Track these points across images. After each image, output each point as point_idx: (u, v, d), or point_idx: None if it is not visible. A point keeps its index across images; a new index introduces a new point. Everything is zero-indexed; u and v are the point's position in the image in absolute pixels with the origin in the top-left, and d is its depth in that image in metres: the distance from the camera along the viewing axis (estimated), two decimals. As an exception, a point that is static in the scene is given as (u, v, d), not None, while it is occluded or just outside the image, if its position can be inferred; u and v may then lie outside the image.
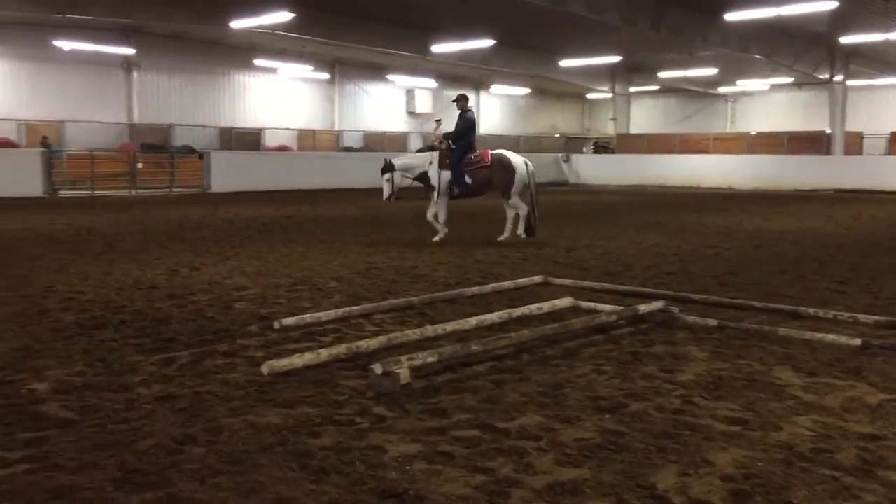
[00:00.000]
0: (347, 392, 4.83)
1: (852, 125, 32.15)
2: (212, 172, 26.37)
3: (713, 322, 6.65)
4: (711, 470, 3.66)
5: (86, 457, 3.78)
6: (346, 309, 7.04)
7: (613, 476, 3.59)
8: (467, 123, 12.40)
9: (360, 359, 5.45)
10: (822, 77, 30.62)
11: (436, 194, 12.36)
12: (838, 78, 30.44)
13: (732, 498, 3.37)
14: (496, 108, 42.13)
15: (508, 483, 3.50)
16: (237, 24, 24.68)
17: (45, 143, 25.49)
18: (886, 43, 25.83)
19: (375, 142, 34.87)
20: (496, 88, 40.77)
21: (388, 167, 12.63)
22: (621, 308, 6.87)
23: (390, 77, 36.53)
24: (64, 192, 24.61)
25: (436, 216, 12.61)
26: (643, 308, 6.80)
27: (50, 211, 18.70)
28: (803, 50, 28.26)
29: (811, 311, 7.05)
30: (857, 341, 5.95)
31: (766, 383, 5.07)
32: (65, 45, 27.78)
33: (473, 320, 6.55)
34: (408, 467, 3.67)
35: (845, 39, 26.25)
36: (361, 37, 27.57)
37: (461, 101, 12.63)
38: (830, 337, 6.13)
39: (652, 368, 5.41)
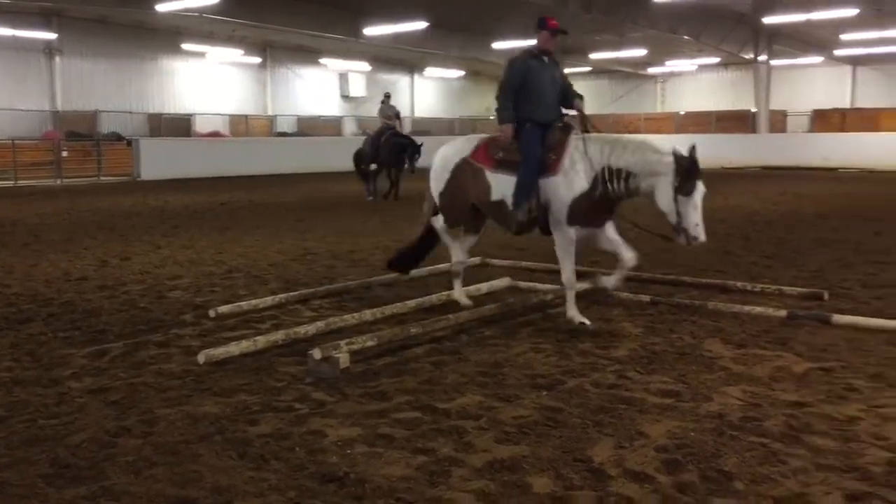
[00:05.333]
0: (286, 378, 4.80)
1: (776, 104, 33.03)
2: (141, 160, 25.70)
3: (646, 298, 6.79)
4: (646, 442, 3.76)
5: (16, 453, 3.68)
6: (283, 295, 6.97)
7: (551, 451, 3.65)
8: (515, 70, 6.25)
9: (298, 345, 5.41)
10: (746, 57, 31.35)
11: (559, 235, 6.03)
12: (762, 58, 31.20)
13: (666, 468, 3.46)
14: (431, 91, 42.03)
15: (449, 462, 3.53)
16: (163, 7, 24.05)
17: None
18: (807, 24, 26.59)
19: (310, 127, 34.49)
20: (431, 71, 40.67)
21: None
22: (558, 287, 6.94)
23: (323, 61, 36.10)
24: (-15, 183, 23.75)
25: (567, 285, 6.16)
26: (579, 286, 6.89)
27: (-30, 203, 18.01)
28: (729, 31, 28.88)
29: (739, 284, 7.26)
30: (783, 313, 6.16)
31: (697, 356, 5.22)
32: (-19, 30, 26.70)
33: (412, 303, 6.56)
34: (348, 451, 3.68)
35: (768, 20, 26.88)
36: (292, 20, 27.15)
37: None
38: (758, 309, 6.33)
39: (588, 345, 5.51)
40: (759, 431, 3.88)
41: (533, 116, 6.17)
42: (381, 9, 26.26)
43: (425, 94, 41.59)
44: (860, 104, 33.40)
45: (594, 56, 35.46)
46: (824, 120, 31.89)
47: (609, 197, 5.85)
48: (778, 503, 3.13)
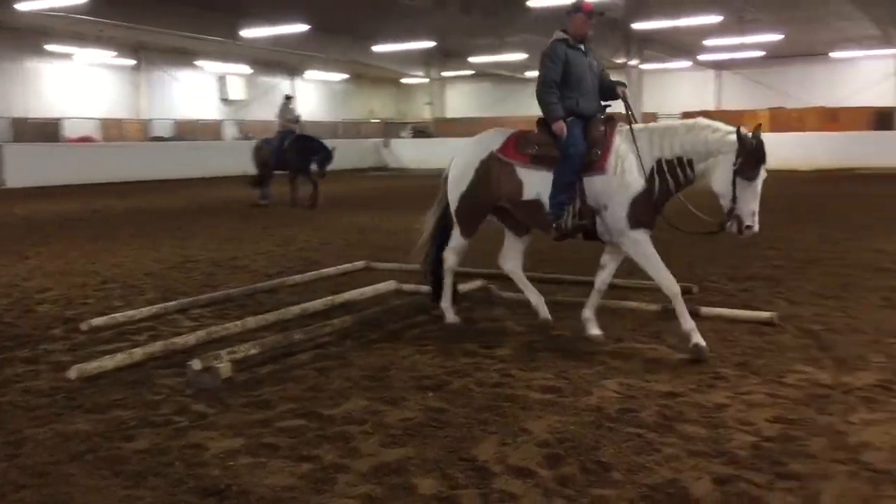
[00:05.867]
0: (164, 391, 4.64)
1: (648, 106, 34.39)
2: (6, 166, 24.26)
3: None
4: (529, 437, 3.84)
5: None
6: (161, 305, 6.75)
7: (437, 452, 3.68)
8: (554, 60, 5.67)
9: (177, 356, 5.25)
10: (619, 61, 32.51)
11: (628, 244, 5.50)
12: (633, 62, 32.42)
13: (547, 462, 3.55)
14: (313, 95, 41.51)
15: (334, 469, 3.51)
16: (24, 6, 22.79)
17: None
18: (675, 30, 27.81)
19: (187, 131, 33.41)
20: (312, 74, 40.20)
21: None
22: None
23: (200, 63, 35.09)
24: None
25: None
26: (463, 287, 6.98)
27: None
28: (602, 35, 29.81)
29: (617, 281, 7.49)
30: (656, 307, 6.42)
31: (577, 352, 5.37)
32: None
33: (296, 309, 6.48)
34: (230, 463, 3.59)
35: (638, 26, 27.99)
36: (165, 21, 26.24)
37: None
38: (633, 304, 6.58)
39: (473, 345, 5.58)
40: (635, 422, 4.03)
41: (574, 109, 5.62)
42: (260, 10, 25.77)
43: (307, 97, 41.01)
44: (725, 106, 35.17)
45: (475, 59, 35.94)
46: (693, 121, 33.48)
47: (664, 194, 5.35)
48: (652, 490, 3.27)
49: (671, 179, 5.31)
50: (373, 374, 4.95)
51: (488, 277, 7.45)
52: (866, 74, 31.74)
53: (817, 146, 27.57)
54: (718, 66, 35.61)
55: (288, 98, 17.77)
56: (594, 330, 5.63)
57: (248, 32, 27.50)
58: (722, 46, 30.55)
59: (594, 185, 5.44)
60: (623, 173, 5.35)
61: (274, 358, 5.24)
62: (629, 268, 8.45)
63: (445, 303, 6.21)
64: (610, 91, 5.84)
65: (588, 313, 5.73)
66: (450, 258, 6.18)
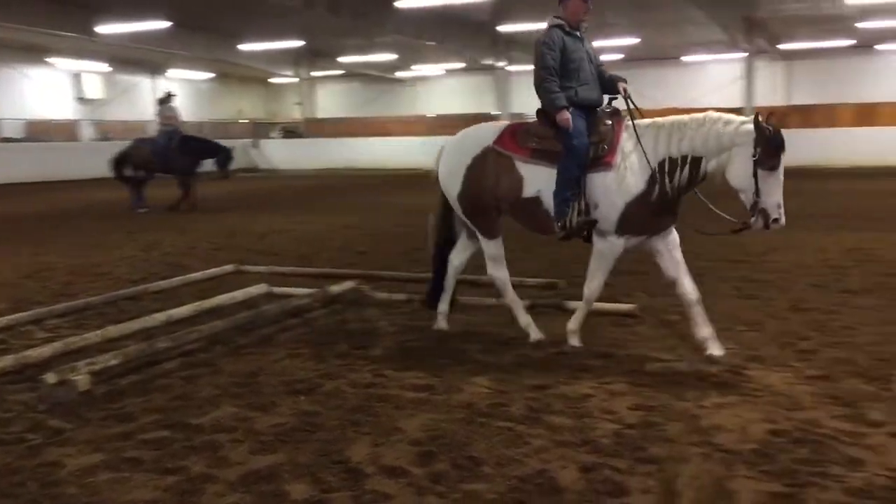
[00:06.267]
0: (17, 408, 4.38)
1: (516, 107, 35.18)
2: None
3: (401, 296, 6.96)
4: (402, 437, 3.86)
5: None
6: (13, 316, 6.36)
7: (309, 456, 3.64)
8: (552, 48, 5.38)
9: (30, 370, 4.96)
10: (487, 63, 33.11)
11: (601, 243, 5.28)
12: (501, 64, 33.09)
13: (420, 460, 3.58)
14: (177, 94, 40.21)
15: (202, 480, 3.41)
16: None
17: None
18: (539, 32, 28.54)
19: (40, 131, 31.57)
20: (176, 73, 38.81)
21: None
22: (314, 291, 6.94)
23: (53, 60, 33.23)
24: None
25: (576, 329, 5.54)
26: (335, 289, 6.94)
27: None
28: (470, 37, 30.29)
29: (486, 278, 7.62)
30: (525, 302, 6.56)
31: (449, 349, 5.44)
32: None
33: (162, 315, 6.24)
34: (89, 479, 3.43)
35: (504, 28, 28.60)
36: (14, 15, 24.71)
37: None
38: (502, 300, 6.69)
39: (345, 347, 5.55)
40: (504, 416, 4.12)
41: (573, 99, 5.25)
42: (117, 6, 24.65)
43: (171, 96, 39.68)
44: (589, 107, 36.54)
45: (345, 59, 35.72)
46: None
47: (670, 196, 5.00)
48: (522, 482, 3.35)
49: (678, 179, 4.94)
50: (242, 380, 4.84)
51: (360, 278, 7.43)
52: (716, 77, 33.55)
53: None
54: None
55: (169, 95, 16.64)
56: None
57: (104, 28, 26.23)
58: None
59: (595, 182, 5.10)
60: (625, 173, 5.01)
61: (137, 368, 5.04)
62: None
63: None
64: (609, 86, 5.43)
65: (704, 332, 5.16)
66: (498, 273, 5.70)
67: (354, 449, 3.72)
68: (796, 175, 19.98)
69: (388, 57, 33.95)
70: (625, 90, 5.32)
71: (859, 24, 25.96)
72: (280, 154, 36.28)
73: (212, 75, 40.40)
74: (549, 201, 5.23)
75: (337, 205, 16.94)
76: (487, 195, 5.44)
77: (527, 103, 31.45)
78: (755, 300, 6.78)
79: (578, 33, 5.45)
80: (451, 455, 3.62)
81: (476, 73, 36.97)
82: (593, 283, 5.29)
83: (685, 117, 4.99)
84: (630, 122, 5.14)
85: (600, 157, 5.10)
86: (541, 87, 5.33)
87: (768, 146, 4.62)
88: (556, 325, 5.97)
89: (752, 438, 3.76)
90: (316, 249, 10.30)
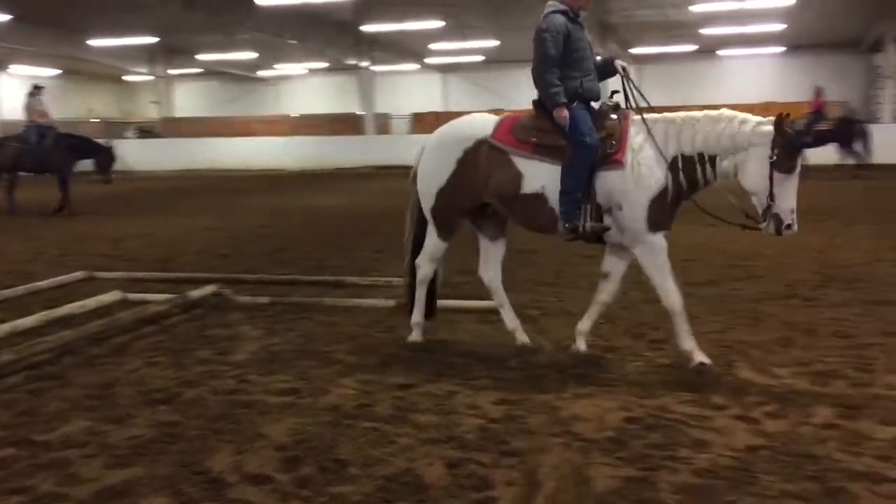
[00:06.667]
0: None
1: (381, 107, 35.24)
2: None
3: (265, 300, 6.83)
4: (266, 443, 3.79)
5: None
6: None
7: (169, 468, 3.52)
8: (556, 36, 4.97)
9: None
10: (350, 63, 32.96)
11: (643, 250, 4.90)
12: (364, 63, 33.03)
13: (285, 465, 3.53)
14: (20, 91, 37.79)
15: (50, 499, 3.24)
16: None
17: None
18: (401, 33, 28.73)
19: None
20: (19, 69, 36.48)
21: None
22: (173, 296, 6.70)
23: None
24: None
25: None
26: (195, 294, 6.73)
27: None
28: (332, 36, 30.07)
29: (352, 279, 7.63)
30: (392, 303, 6.60)
31: (314, 352, 5.38)
32: None
33: (6, 327, 5.84)
34: (-79, 508, 3.18)
35: (366, 28, 28.58)
36: None
37: None
38: (370, 301, 6.71)
39: (206, 353, 5.39)
40: (371, 416, 4.12)
41: (578, 91, 4.91)
42: (-51, -4, 22.94)
43: (12, 94, 37.22)
44: (452, 108, 36.92)
45: (202, 57, 34.66)
46: (423, 122, 34.72)
47: (682, 194, 4.77)
48: (388, 481, 3.36)
49: (689, 178, 4.72)
50: (95, 392, 4.61)
51: (222, 282, 7.23)
52: (573, 79, 34.91)
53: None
54: (444, 69, 37.28)
55: (36, 88, 15.34)
56: (581, 345, 5.13)
57: (-65, 21, 24.37)
58: (446, 50, 32.01)
59: (608, 181, 4.78)
60: (641, 169, 4.71)
61: (-23, 384, 4.71)
62: (365, 266, 8.66)
63: (416, 318, 5.48)
64: (604, 69, 5.15)
65: (582, 326, 5.16)
66: (424, 267, 5.40)
67: (216, 458, 3.62)
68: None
69: (248, 55, 33.22)
70: (623, 69, 5.06)
71: (703, 31, 27.57)
72: (136, 155, 34.64)
73: (58, 72, 38.21)
74: (554, 199, 4.88)
75: (197, 207, 16.41)
76: (473, 191, 5.09)
77: (392, 104, 31.46)
78: (611, 294, 7.06)
79: (581, 21, 5.08)
80: (318, 458, 3.59)
81: (340, 73, 36.74)
82: (667, 291, 4.79)
83: (698, 114, 4.78)
84: (639, 117, 4.87)
85: (609, 154, 4.78)
86: (540, 79, 4.94)
87: (787, 148, 4.41)
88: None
89: (609, 426, 3.93)
90: (174, 253, 9.95)
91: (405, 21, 25.89)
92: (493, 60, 34.14)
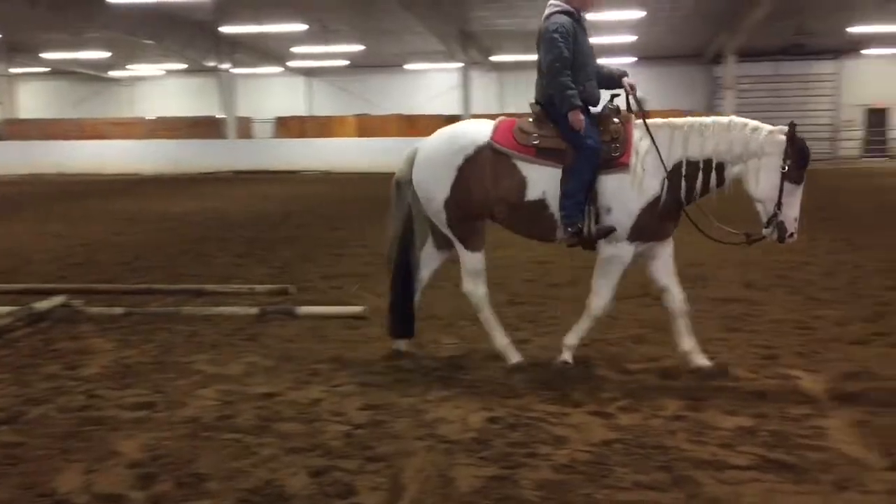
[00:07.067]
0: None
1: (243, 111, 34.41)
2: None
3: (119, 310, 6.52)
4: (119, 460, 3.62)
5: None
6: None
7: (11, 491, 3.32)
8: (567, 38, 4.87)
9: None
10: (210, 65, 32.02)
11: (609, 250, 4.87)
12: (225, 66, 32.16)
13: (140, 483, 3.39)
14: None
15: None
16: None
17: None
18: (263, 36, 28.18)
19: None
20: None
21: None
22: (16, 308, 6.28)
23: None
24: None
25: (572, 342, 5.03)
26: (41, 305, 6.34)
27: None
28: (191, 37, 29.10)
29: (213, 287, 7.41)
30: (255, 310, 6.46)
31: (172, 363, 5.19)
32: None
33: None
34: None
35: (226, 29, 27.85)
36: None
37: None
38: (231, 309, 6.54)
39: (54, 368, 5.10)
40: (232, 428, 4.01)
41: (583, 95, 4.80)
42: None
43: None
44: (316, 112, 36.54)
45: (48, 56, 32.76)
46: (286, 126, 34.19)
47: (681, 200, 4.71)
48: (250, 493, 3.29)
49: (693, 184, 4.68)
50: (-75, 414, 4.26)
51: (72, 293, 6.85)
52: (436, 85, 35.16)
53: (399, 150, 29.73)
54: (308, 72, 36.85)
55: None
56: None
57: None
58: (309, 54, 31.64)
59: (608, 185, 4.71)
60: (642, 175, 4.67)
61: None
62: (226, 273, 8.43)
63: (501, 340, 5.10)
64: (608, 81, 5.05)
65: (687, 345, 4.88)
66: (476, 289, 5.01)
67: (64, 478, 3.42)
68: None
69: (99, 54, 31.66)
70: (631, 86, 4.96)
71: (559, 41, 28.51)
72: (-27, 158, 32.44)
73: None
74: (555, 205, 4.77)
75: (45, 213, 15.46)
76: (485, 199, 4.86)
77: (255, 107, 30.77)
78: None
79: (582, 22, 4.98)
80: (175, 474, 3.46)
81: (199, 75, 35.58)
82: (601, 296, 4.83)
83: (706, 119, 4.75)
84: (642, 121, 4.79)
85: (614, 157, 4.71)
86: (554, 81, 4.77)
87: (800, 159, 4.48)
88: (286, 330, 5.93)
89: (472, 427, 3.99)
90: (20, 262, 9.35)
91: (267, 23, 25.40)
92: (359, 65, 34.04)
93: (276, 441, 3.83)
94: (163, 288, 7.43)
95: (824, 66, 32.39)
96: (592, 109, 4.92)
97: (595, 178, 4.71)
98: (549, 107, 4.87)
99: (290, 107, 36.19)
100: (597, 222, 4.76)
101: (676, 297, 4.88)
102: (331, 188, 21.96)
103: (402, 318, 5.23)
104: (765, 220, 4.63)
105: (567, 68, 4.77)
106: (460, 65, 30.05)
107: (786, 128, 4.53)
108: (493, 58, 32.28)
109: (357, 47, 29.93)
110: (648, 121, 4.78)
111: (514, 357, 5.00)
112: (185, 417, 4.17)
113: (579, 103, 4.74)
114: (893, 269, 7.98)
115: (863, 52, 31.23)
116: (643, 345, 5.51)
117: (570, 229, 4.73)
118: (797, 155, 4.48)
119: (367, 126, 32.40)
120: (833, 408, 4.23)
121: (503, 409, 4.23)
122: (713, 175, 4.66)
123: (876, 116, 33.06)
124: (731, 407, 4.23)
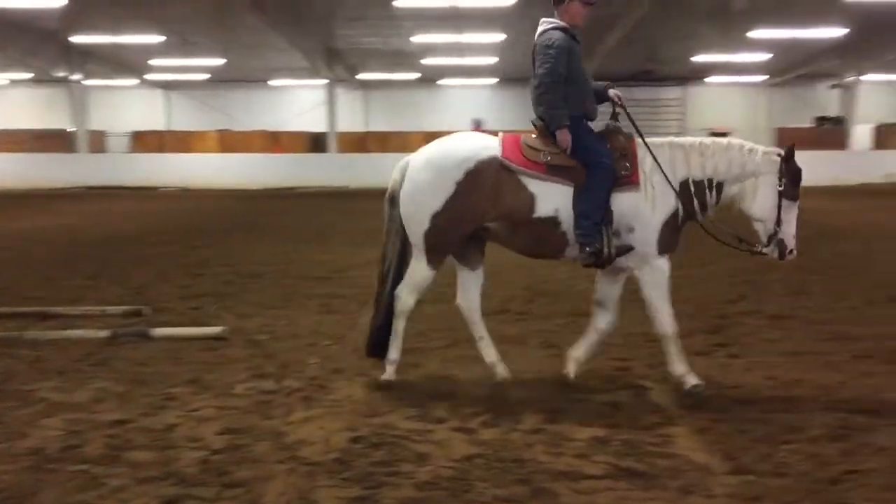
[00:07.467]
0: None
1: (96, 124, 32.82)
2: None
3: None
4: (-51, 499, 3.36)
5: None
6: None
7: None
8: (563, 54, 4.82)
9: None
10: (59, 75, 30.40)
11: (649, 272, 4.91)
12: (76, 77, 30.60)
13: (-27, 522, 3.15)
14: None
15: None
16: None
17: None
18: (117, 47, 27.00)
19: None
20: None
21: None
22: None
23: None
24: None
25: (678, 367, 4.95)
26: None
27: None
28: (36, 46, 27.52)
29: (61, 309, 7.01)
30: (106, 333, 6.16)
31: (13, 391, 4.87)
32: None
33: None
34: None
35: (77, 39, 26.55)
36: None
37: None
38: (79, 332, 6.22)
39: None
40: (79, 458, 3.81)
41: (586, 112, 4.86)
42: None
43: None
44: (175, 126, 35.31)
45: None
46: (143, 141, 32.88)
47: (686, 219, 4.84)
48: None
49: (707, 201, 4.83)
50: None
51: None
52: (301, 102, 34.76)
53: (262, 167, 29.59)
54: (167, 86, 35.62)
55: None
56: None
57: None
58: (168, 67, 30.61)
59: (622, 202, 4.72)
60: (654, 192, 4.73)
61: None
62: (76, 294, 8.00)
63: (393, 355, 5.01)
64: (599, 96, 5.03)
65: (575, 353, 5.08)
66: (406, 298, 4.92)
67: None
68: (363, 196, 21.37)
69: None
70: (618, 97, 5.01)
71: (423, 61, 28.87)
72: None
73: None
74: (568, 223, 4.73)
75: None
76: (480, 215, 4.76)
77: (110, 121, 29.46)
78: (338, 314, 7.13)
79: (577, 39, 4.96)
80: (15, 510, 3.24)
81: (47, 86, 33.64)
82: (663, 314, 4.83)
83: (706, 140, 4.89)
84: (642, 140, 4.87)
85: (624, 175, 4.74)
86: (545, 98, 4.77)
87: (795, 177, 4.69)
88: (139, 353, 5.69)
89: (335, 447, 3.95)
90: None
91: (121, 34, 24.38)
92: (221, 79, 33.21)
93: (126, 471, 3.66)
94: (4, 311, 6.96)
95: (671, 92, 34.23)
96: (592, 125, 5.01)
97: (609, 197, 4.74)
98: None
99: (147, 121, 34.81)
100: (618, 239, 4.78)
101: (610, 319, 5.09)
102: (190, 205, 21.28)
103: (383, 341, 5.07)
104: (765, 238, 4.81)
105: (559, 84, 4.76)
106: (326, 81, 29.85)
107: (777, 149, 4.79)
108: (360, 76, 32.28)
109: (218, 61, 29.20)
110: (652, 140, 4.88)
111: (389, 375, 5.00)
112: (26, 449, 3.92)
113: (567, 122, 4.75)
114: (734, 284, 8.51)
115: (705, 79, 33.32)
116: (504, 359, 5.61)
117: (588, 249, 4.70)
118: (792, 174, 4.71)
119: (230, 142, 31.66)
120: (680, 416, 4.46)
121: (367, 429, 4.21)
122: (713, 195, 4.83)
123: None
124: (587, 418, 4.38)
